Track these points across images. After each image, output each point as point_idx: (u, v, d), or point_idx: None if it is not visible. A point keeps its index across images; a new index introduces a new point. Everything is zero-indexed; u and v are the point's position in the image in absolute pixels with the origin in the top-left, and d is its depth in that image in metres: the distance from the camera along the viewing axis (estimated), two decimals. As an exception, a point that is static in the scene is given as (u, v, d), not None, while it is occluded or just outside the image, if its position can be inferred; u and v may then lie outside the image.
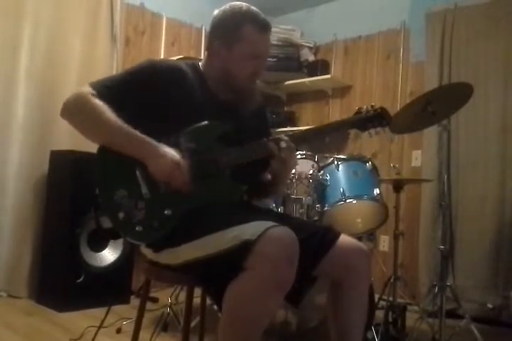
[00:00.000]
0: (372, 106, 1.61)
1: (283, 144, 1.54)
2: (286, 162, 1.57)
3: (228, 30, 1.58)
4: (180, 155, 1.46)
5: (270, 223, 1.29)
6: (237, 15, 1.59)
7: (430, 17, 3.50)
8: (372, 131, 1.62)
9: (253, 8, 1.61)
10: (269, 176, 1.65)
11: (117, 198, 1.44)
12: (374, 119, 1.60)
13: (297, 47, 4.07)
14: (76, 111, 1.52)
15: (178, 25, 3.92)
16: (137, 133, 1.46)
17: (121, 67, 3.43)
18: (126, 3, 3.56)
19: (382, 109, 1.60)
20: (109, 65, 3.43)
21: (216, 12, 1.63)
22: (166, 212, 1.44)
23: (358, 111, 1.62)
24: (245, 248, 1.24)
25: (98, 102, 1.47)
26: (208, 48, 1.66)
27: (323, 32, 4.14)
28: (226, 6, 1.62)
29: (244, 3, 1.62)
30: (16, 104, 3.05)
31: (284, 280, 1.25)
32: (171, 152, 1.45)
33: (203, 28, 3.98)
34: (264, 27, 1.59)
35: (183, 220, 1.44)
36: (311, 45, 4.15)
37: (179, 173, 1.43)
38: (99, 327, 2.20)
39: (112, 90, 1.51)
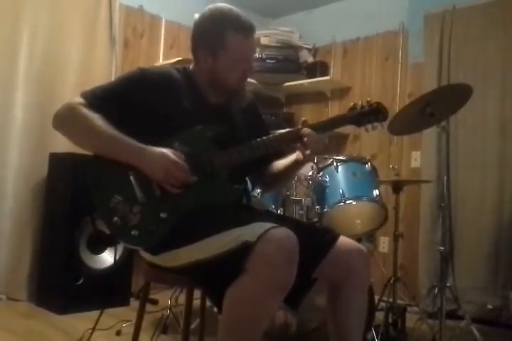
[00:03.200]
0: (368, 101, 1.61)
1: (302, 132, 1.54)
2: (310, 146, 1.54)
3: (211, 38, 1.55)
4: (170, 151, 1.45)
5: (270, 224, 1.29)
6: (218, 21, 1.54)
7: (428, 18, 3.50)
8: (368, 126, 1.61)
9: (234, 9, 1.56)
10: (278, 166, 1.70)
11: (112, 204, 1.44)
12: (370, 114, 1.60)
13: (296, 48, 4.08)
14: (67, 122, 1.52)
15: (176, 27, 3.91)
16: (127, 139, 1.45)
17: (119, 70, 3.43)
18: (125, 6, 3.56)
19: (379, 103, 1.60)
20: (108, 67, 3.42)
21: (196, 16, 1.59)
22: (161, 215, 1.44)
23: (353, 107, 1.61)
24: (245, 249, 1.24)
25: (88, 112, 1.47)
26: (193, 53, 1.62)
27: (321, 34, 4.15)
28: (205, 10, 1.58)
29: (224, 6, 1.57)
30: (15, 106, 3.05)
31: (284, 282, 1.25)
32: (159, 150, 1.44)
33: (202, 30, 3.98)
34: (247, 31, 1.55)
35: (182, 223, 1.43)
36: (310, 47, 4.16)
37: (176, 166, 1.42)
38: (93, 329, 2.20)
39: (103, 100, 1.51)
